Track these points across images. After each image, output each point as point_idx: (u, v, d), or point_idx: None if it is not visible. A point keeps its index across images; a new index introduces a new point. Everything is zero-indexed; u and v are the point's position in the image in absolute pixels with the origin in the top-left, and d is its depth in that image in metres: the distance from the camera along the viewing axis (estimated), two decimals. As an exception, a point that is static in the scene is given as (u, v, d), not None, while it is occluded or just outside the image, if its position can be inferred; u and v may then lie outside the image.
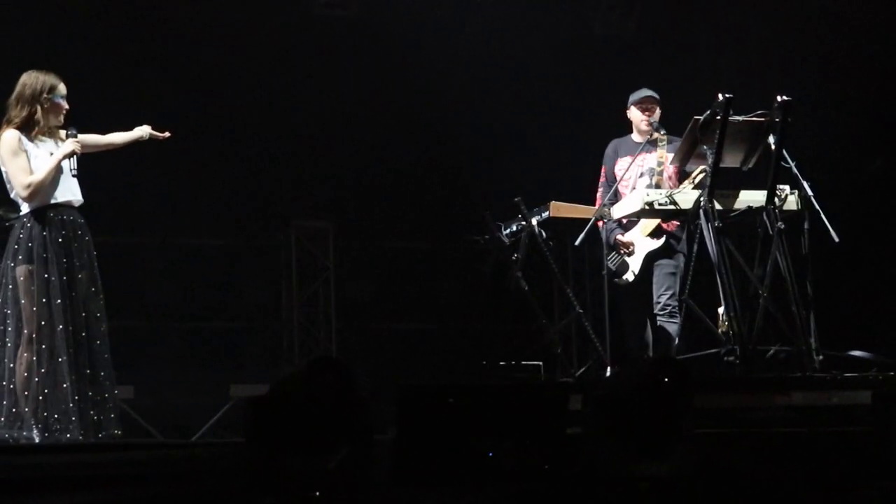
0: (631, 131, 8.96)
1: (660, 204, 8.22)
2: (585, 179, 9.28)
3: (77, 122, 7.32)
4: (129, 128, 7.60)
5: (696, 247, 8.19)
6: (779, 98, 8.00)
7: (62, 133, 7.27)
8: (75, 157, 7.19)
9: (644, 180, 8.73)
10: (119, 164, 8.37)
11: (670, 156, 8.56)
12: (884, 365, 7.86)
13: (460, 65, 11.03)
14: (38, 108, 7.17)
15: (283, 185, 11.33)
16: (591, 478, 4.95)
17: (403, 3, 11.15)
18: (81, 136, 7.29)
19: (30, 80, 7.21)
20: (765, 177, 8.16)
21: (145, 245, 10.87)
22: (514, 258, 9.08)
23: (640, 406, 4.98)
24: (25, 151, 7.12)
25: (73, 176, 7.20)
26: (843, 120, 10.97)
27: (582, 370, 9.79)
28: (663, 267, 8.71)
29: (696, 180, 8.33)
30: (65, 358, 6.98)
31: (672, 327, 8.53)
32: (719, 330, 8.25)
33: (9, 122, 7.18)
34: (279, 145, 11.19)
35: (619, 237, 8.76)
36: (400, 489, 4.92)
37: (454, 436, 5.00)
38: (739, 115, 8.10)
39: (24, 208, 7.16)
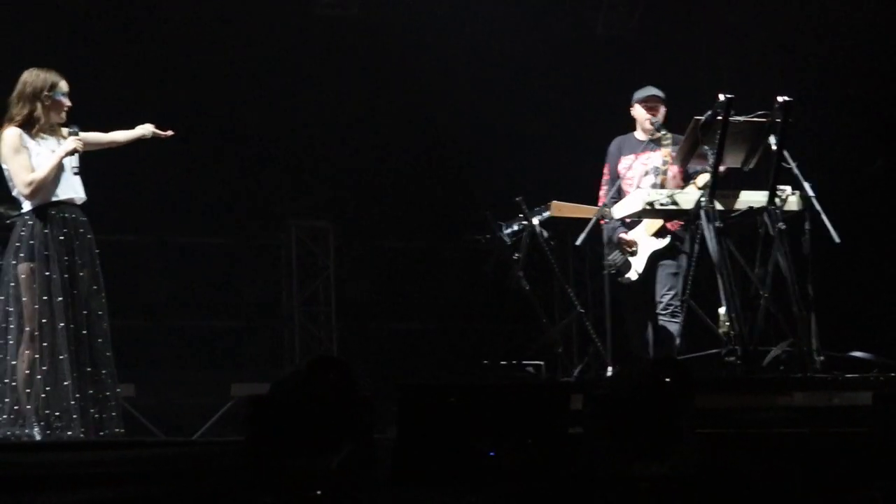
0: (634, 129, 8.96)
1: (661, 204, 8.22)
2: (587, 179, 9.27)
3: (78, 120, 7.31)
4: (131, 126, 7.60)
5: (696, 247, 8.19)
6: (779, 98, 8.00)
7: (64, 131, 7.26)
8: (77, 154, 7.18)
9: (649, 178, 8.73)
10: (120, 163, 8.37)
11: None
12: (885, 366, 7.85)
13: (461, 64, 11.03)
14: (39, 105, 7.16)
15: (284, 184, 11.34)
16: (592, 477, 4.95)
17: (404, 3, 11.15)
18: (83, 134, 7.28)
19: (31, 77, 7.21)
20: (766, 177, 8.16)
21: (146, 244, 10.88)
22: (515, 258, 9.08)
23: (641, 406, 4.98)
24: (27, 149, 7.12)
25: (75, 174, 7.19)
26: (844, 120, 10.97)
27: (580, 367, 9.79)
28: (666, 267, 8.71)
29: (700, 184, 8.33)
30: (66, 355, 6.97)
31: (674, 327, 8.53)
32: (720, 330, 8.25)
33: (10, 120, 7.18)
34: (280, 145, 11.20)
35: (623, 235, 8.76)
36: (400, 488, 4.92)
37: (455, 435, 5.00)
38: (740, 115, 8.10)
39: (26, 206, 7.15)
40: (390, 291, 11.61)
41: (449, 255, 11.65)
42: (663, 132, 8.75)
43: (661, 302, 8.68)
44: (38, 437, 6.84)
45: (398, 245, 11.80)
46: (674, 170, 8.68)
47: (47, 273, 7.03)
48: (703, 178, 8.30)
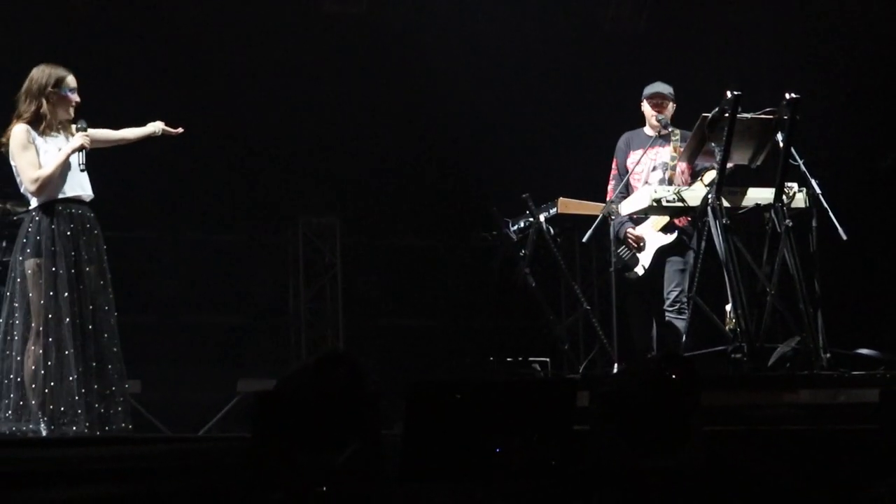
0: (644, 124, 8.95)
1: (668, 201, 8.22)
2: (593, 176, 9.27)
3: (88, 117, 7.30)
4: (140, 124, 7.60)
5: (703, 244, 8.19)
6: (787, 95, 8.00)
7: (73, 127, 7.25)
8: (84, 151, 7.18)
9: (657, 174, 8.73)
10: (128, 160, 8.39)
11: (684, 150, 8.58)
12: (891, 363, 7.86)
13: (468, 61, 11.02)
14: (45, 102, 7.16)
15: (291, 181, 11.34)
16: (598, 474, 4.95)
17: (411, 1, 11.15)
18: (92, 131, 7.28)
19: (37, 74, 7.21)
20: (773, 174, 8.16)
21: (153, 240, 10.88)
22: (521, 254, 9.08)
23: (648, 403, 4.98)
24: (35, 146, 7.12)
25: (82, 171, 7.20)
26: (852, 118, 10.96)
27: (587, 365, 9.79)
28: (674, 263, 8.71)
29: (707, 181, 8.33)
30: (72, 351, 6.98)
31: (680, 324, 8.54)
32: (727, 327, 8.26)
33: (18, 117, 7.18)
34: (287, 142, 11.19)
35: (630, 231, 8.75)
36: (407, 485, 4.92)
37: (462, 432, 4.99)
38: (748, 112, 8.10)
39: (33, 202, 7.16)
40: (397, 288, 11.61)
41: (455, 252, 11.65)
42: (671, 129, 8.76)
43: (667, 298, 8.69)
44: (42, 433, 6.84)
45: (404, 242, 11.80)
46: (682, 166, 8.68)
47: (54, 269, 7.04)
48: (711, 175, 8.30)
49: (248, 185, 11.17)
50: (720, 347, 8.14)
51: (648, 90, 8.89)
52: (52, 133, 7.19)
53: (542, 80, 11.38)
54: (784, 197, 8.10)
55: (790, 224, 8.02)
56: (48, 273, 7.03)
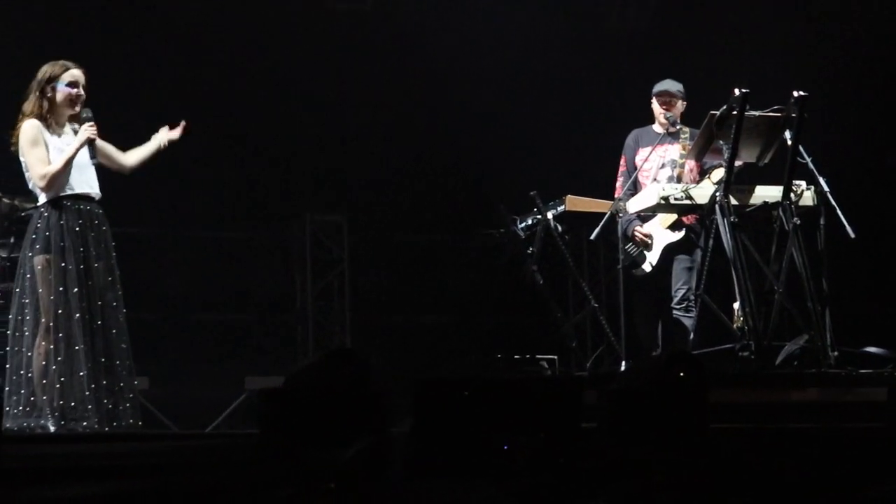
0: (653, 121, 8.95)
1: (675, 198, 8.22)
2: (601, 173, 9.27)
3: (97, 114, 7.26)
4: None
5: (711, 242, 8.19)
6: (795, 93, 8.00)
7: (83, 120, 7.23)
8: (93, 143, 7.16)
9: (665, 171, 8.73)
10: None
11: (693, 147, 8.57)
12: (899, 361, 7.85)
13: (474, 58, 11.01)
14: (45, 97, 7.16)
15: (298, 178, 11.34)
16: (606, 471, 4.94)
17: (417, -4, 11.17)
18: (101, 143, 7.25)
19: (40, 71, 7.21)
20: (781, 172, 8.15)
21: (160, 237, 10.88)
22: (529, 252, 9.08)
23: (655, 401, 4.98)
24: (45, 142, 7.12)
25: (94, 164, 7.18)
26: (860, 115, 10.95)
27: (594, 362, 9.79)
28: (682, 261, 8.71)
29: (715, 179, 8.32)
30: (81, 346, 6.98)
31: (688, 322, 8.53)
32: (734, 325, 8.26)
33: (24, 115, 7.18)
34: (294, 139, 11.19)
35: (638, 229, 8.75)
36: (415, 482, 4.92)
37: (469, 429, 5.00)
38: (756, 110, 8.10)
39: (42, 198, 7.16)
40: (404, 285, 11.61)
41: (463, 250, 11.64)
42: (679, 126, 8.75)
43: (675, 296, 8.69)
44: (52, 429, 6.85)
45: (412, 239, 11.79)
46: (691, 164, 8.68)
47: (63, 264, 7.04)
48: (718, 173, 8.30)
49: (255, 183, 11.17)
50: (728, 345, 8.14)
51: (657, 88, 8.89)
52: (61, 129, 7.19)
53: (550, 76, 11.37)
54: (792, 195, 8.10)
55: (798, 222, 8.01)
56: (57, 269, 7.03)
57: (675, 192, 8.25)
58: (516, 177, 10.18)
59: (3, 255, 8.83)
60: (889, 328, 9.59)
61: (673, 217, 8.68)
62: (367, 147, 11.35)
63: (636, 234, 8.74)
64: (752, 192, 8.22)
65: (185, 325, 10.73)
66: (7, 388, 7.02)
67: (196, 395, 9.83)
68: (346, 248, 11.38)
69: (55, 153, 7.10)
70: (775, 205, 8.12)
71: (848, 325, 8.39)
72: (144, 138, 7.57)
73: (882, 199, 10.80)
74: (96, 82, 7.43)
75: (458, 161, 11.51)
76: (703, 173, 8.64)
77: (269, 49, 10.89)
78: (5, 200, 8.76)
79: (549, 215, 9.00)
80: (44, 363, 6.96)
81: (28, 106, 7.17)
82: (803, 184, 8.15)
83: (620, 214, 8.64)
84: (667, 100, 8.83)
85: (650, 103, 8.92)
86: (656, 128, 8.91)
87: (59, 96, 7.17)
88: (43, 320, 7.01)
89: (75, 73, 7.20)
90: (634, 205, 8.53)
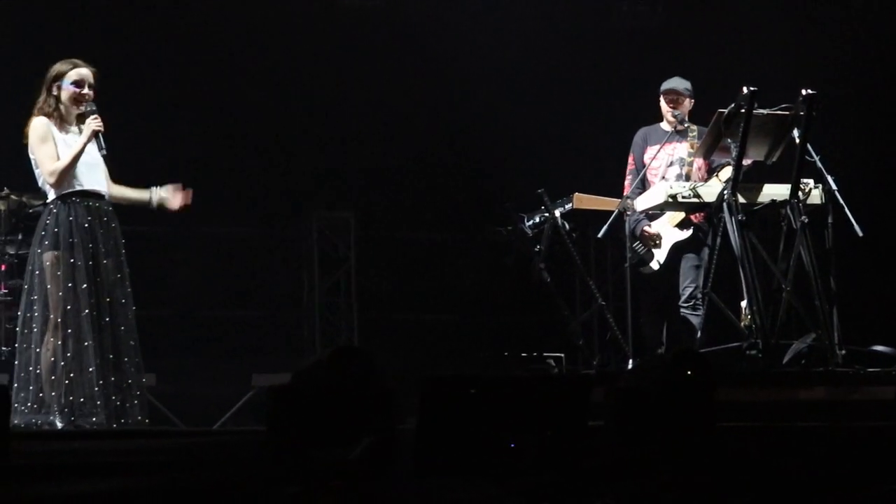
0: (661, 119, 8.94)
1: (683, 197, 8.22)
2: (609, 171, 9.26)
3: (106, 110, 7.26)
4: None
5: (719, 240, 8.18)
6: (803, 91, 7.99)
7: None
8: (101, 135, 7.15)
9: (674, 169, 8.73)
10: (143, 154, 8.39)
11: (702, 146, 8.57)
12: (907, 361, 7.84)
13: (484, 56, 11.01)
14: (52, 95, 7.17)
15: (306, 175, 11.34)
16: (613, 470, 4.94)
17: (428, -6, 11.16)
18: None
19: (50, 69, 7.23)
20: (789, 170, 8.14)
21: (168, 234, 10.87)
22: (536, 250, 9.07)
23: (662, 399, 4.98)
24: (54, 138, 7.13)
25: (103, 155, 7.17)
26: (868, 114, 10.93)
27: (601, 360, 9.78)
28: (689, 259, 8.70)
29: (723, 178, 8.31)
30: (90, 342, 6.98)
31: (695, 320, 8.53)
32: (742, 323, 8.24)
33: (34, 112, 7.20)
34: (302, 136, 11.20)
35: (647, 228, 8.74)
36: (421, 480, 4.92)
37: (476, 427, 5.00)
38: (764, 108, 8.09)
39: (51, 195, 7.17)
40: (411, 283, 11.61)
41: (470, 247, 11.64)
42: (687, 125, 8.75)
43: (683, 294, 8.68)
44: (59, 425, 6.85)
45: (419, 236, 11.79)
46: (699, 162, 8.67)
47: (72, 260, 7.04)
48: (727, 172, 8.29)
49: (263, 180, 11.18)
50: (735, 344, 8.14)
51: (664, 86, 8.88)
52: (71, 128, 7.20)
53: (558, 74, 11.35)
54: (800, 193, 8.09)
55: (806, 220, 8.00)
56: (66, 265, 7.04)
57: (683, 190, 8.25)
58: (524, 174, 10.18)
59: (12, 252, 8.86)
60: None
61: (681, 215, 8.67)
62: (374, 145, 11.35)
63: (644, 232, 8.74)
64: (759, 190, 8.22)
65: (192, 322, 10.74)
66: (15, 385, 7.03)
67: (203, 392, 9.84)
68: (353, 246, 11.38)
69: (64, 150, 7.11)
70: (783, 203, 8.11)
71: (856, 323, 8.37)
72: (153, 139, 7.59)
73: (890, 198, 10.78)
74: (108, 80, 7.44)
75: (467, 158, 11.51)
76: (711, 171, 8.63)
77: (280, 45, 10.89)
78: (13, 197, 8.79)
79: (557, 213, 8.99)
80: (52, 359, 6.97)
81: (38, 103, 7.19)
82: (811, 182, 8.15)
83: (628, 212, 8.63)
84: (674, 98, 8.82)
85: (658, 101, 8.91)
86: (664, 126, 8.89)
87: (64, 94, 7.18)
88: (52, 317, 7.02)
89: (82, 72, 7.20)
90: (642, 203, 8.52)
